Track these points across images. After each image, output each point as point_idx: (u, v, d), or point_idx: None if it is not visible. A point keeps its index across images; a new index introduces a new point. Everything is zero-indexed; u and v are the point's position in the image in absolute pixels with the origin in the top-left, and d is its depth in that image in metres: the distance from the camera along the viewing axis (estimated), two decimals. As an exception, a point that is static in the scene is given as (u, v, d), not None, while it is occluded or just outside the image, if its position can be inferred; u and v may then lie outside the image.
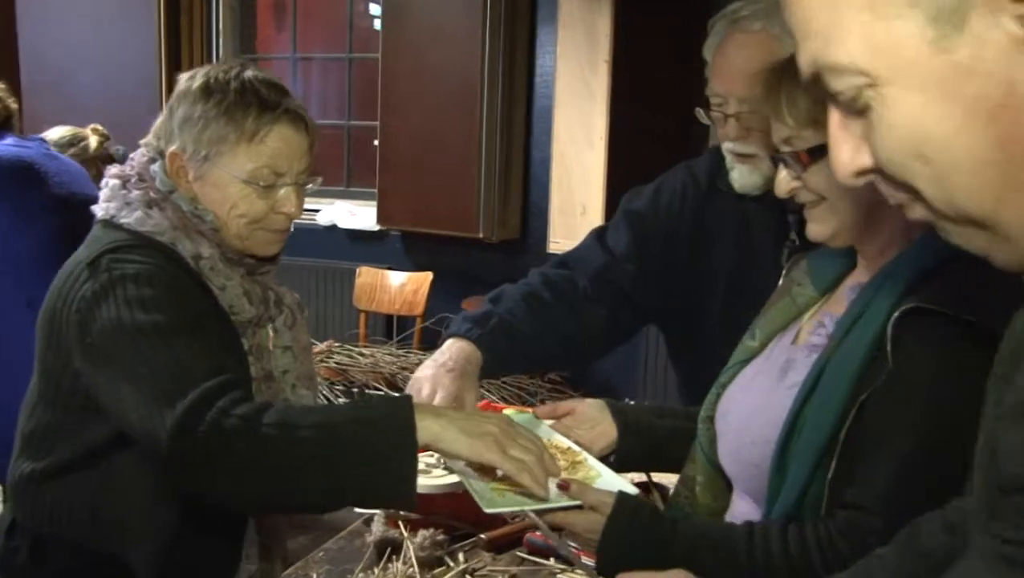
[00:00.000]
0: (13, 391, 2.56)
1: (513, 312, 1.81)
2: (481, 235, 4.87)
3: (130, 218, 1.47)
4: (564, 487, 1.31)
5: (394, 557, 1.70)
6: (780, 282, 1.54)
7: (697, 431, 1.53)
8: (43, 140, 2.74)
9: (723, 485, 1.49)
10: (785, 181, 1.32)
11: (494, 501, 1.31)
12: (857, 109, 0.69)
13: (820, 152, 1.24)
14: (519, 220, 5.12)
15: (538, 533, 1.78)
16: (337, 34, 5.87)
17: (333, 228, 5.45)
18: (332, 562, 1.71)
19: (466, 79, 4.77)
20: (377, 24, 5.74)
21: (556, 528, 1.40)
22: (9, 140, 2.66)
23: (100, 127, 3.10)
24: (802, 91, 1.25)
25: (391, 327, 5.25)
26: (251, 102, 1.46)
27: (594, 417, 1.64)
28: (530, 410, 1.71)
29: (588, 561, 1.74)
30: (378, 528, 1.76)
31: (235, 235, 1.52)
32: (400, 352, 4.38)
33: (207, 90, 1.47)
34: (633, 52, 4.20)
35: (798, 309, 1.44)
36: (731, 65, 1.72)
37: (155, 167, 1.52)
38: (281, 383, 1.59)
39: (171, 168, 1.50)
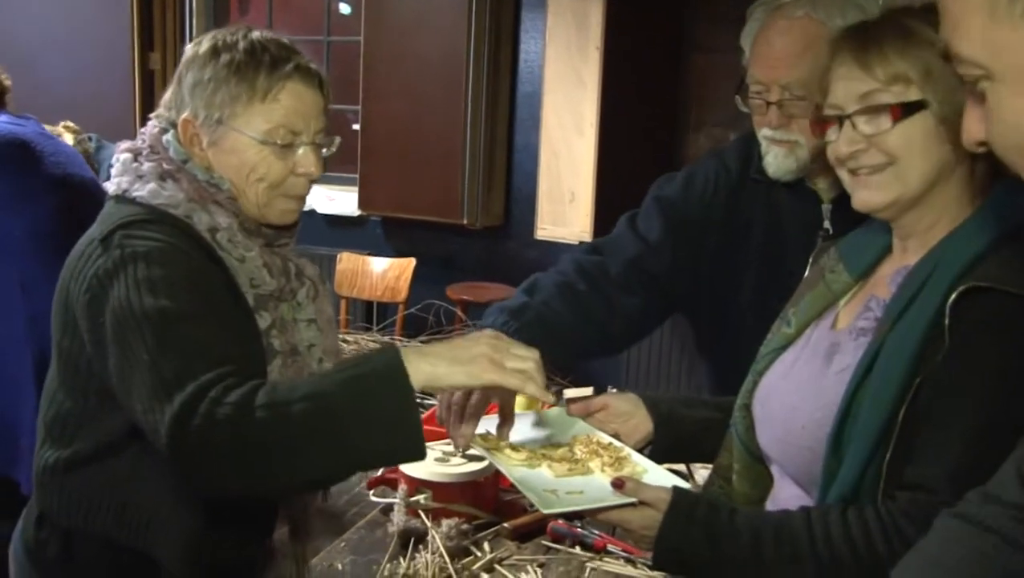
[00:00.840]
0: (2, 374, 2.50)
1: (549, 303, 1.79)
2: (465, 221, 4.83)
3: (143, 191, 1.42)
4: (619, 485, 1.29)
5: (420, 547, 1.67)
6: (807, 271, 1.53)
7: (732, 419, 1.52)
8: (37, 120, 2.66)
9: (762, 472, 1.48)
10: (848, 141, 1.27)
11: (550, 501, 1.29)
12: (979, 92, 0.80)
13: (914, 108, 1.23)
14: (503, 206, 5.09)
15: (561, 521, 1.77)
16: (307, 17, 5.80)
17: (312, 213, 5.38)
18: (355, 552, 1.68)
19: (450, 64, 4.73)
20: (344, 8, 5.67)
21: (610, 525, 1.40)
22: (3, 118, 2.58)
23: (71, 124, 3.02)
24: (896, 48, 1.24)
25: (371, 313, 5.20)
26: (261, 60, 1.42)
27: (628, 410, 1.61)
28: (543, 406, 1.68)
29: (614, 548, 1.73)
30: (400, 518, 1.73)
31: (254, 203, 1.47)
32: (384, 339, 4.34)
33: (215, 51, 1.43)
34: (623, 40, 4.18)
35: (834, 295, 1.44)
36: (774, 51, 1.70)
37: (168, 136, 1.47)
38: (307, 357, 1.53)
39: (184, 136, 1.45)
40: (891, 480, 1.18)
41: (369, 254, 5.01)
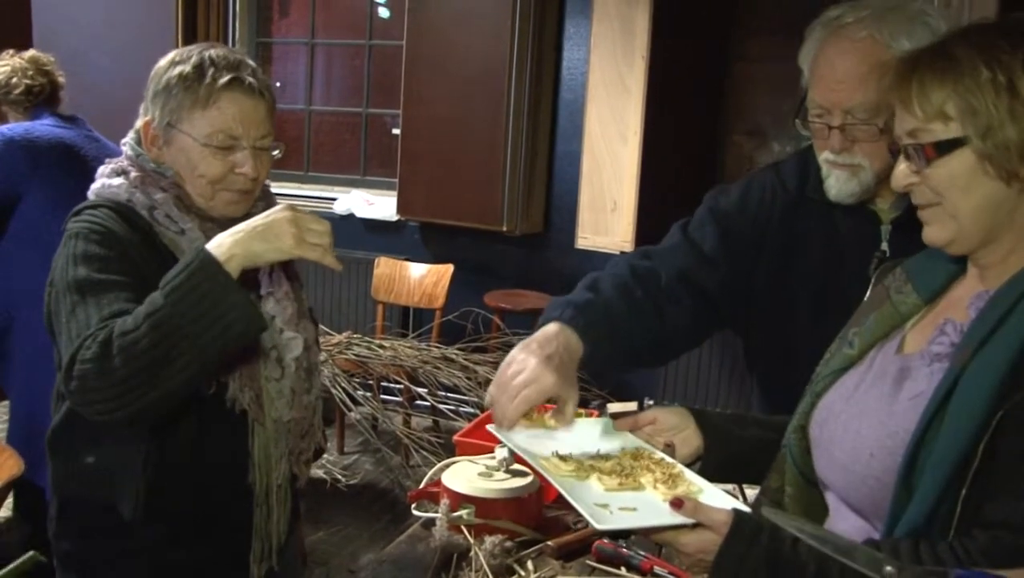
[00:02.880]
0: (48, 374, 2.50)
1: (611, 303, 1.71)
2: (504, 228, 4.80)
3: (97, 185, 1.68)
4: (677, 504, 1.23)
5: (463, 564, 1.63)
6: (869, 291, 1.47)
7: (786, 441, 1.47)
8: (84, 120, 2.66)
9: (816, 497, 1.42)
10: (903, 175, 1.25)
11: (602, 517, 1.23)
12: None
13: (947, 148, 1.18)
14: (543, 214, 5.06)
15: (606, 541, 1.72)
16: (348, 20, 5.80)
17: (350, 217, 5.38)
18: (397, 567, 1.64)
19: (492, 69, 4.70)
20: (383, 12, 5.67)
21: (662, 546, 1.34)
22: (48, 120, 2.58)
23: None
24: (935, 83, 1.19)
25: (407, 319, 5.19)
26: (205, 72, 1.62)
27: (676, 424, 1.56)
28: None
29: (661, 571, 1.68)
30: (441, 533, 1.69)
31: (199, 195, 1.67)
32: (421, 345, 4.31)
33: (172, 64, 1.65)
34: (668, 48, 4.13)
35: (901, 317, 1.38)
36: (836, 74, 1.63)
37: (127, 139, 1.72)
38: (270, 329, 1.68)
39: (145, 137, 1.68)
40: (966, 516, 1.12)
41: (407, 259, 5.00)
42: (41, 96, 2.61)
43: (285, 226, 1.44)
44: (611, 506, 1.27)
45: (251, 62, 1.68)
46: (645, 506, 1.30)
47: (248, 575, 1.72)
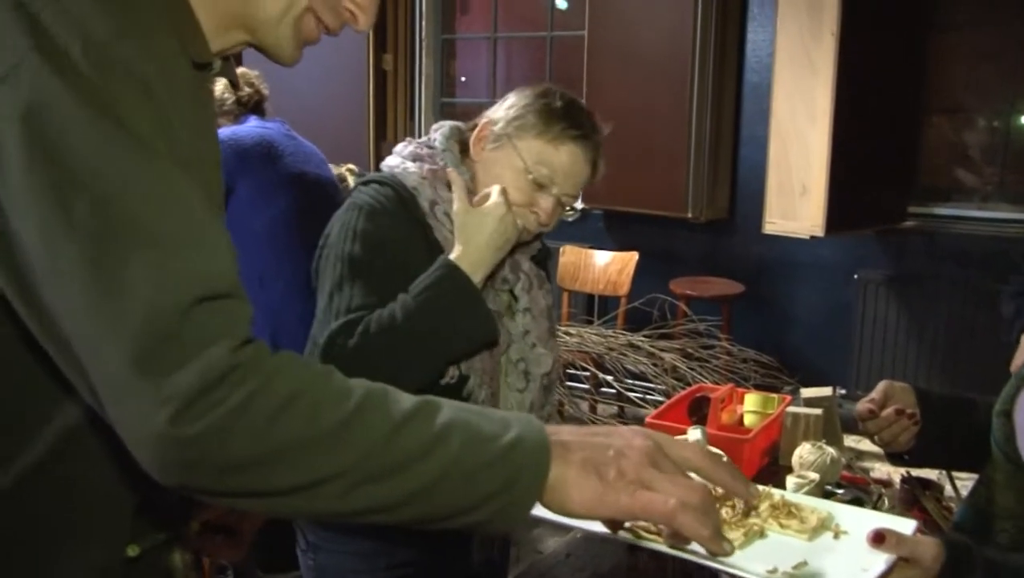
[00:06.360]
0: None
1: None
2: (689, 215, 4.76)
3: (391, 162, 1.70)
4: (879, 540, 1.09)
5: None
6: None
7: (993, 427, 1.42)
8: (283, 122, 2.83)
9: (1026, 483, 1.36)
10: None
11: None
12: None
13: None
14: (728, 200, 4.99)
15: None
16: (527, 14, 5.87)
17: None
18: (592, 552, 1.68)
19: (675, 55, 4.67)
20: (560, 3, 5.70)
21: None
22: (252, 121, 2.77)
23: (353, 167, 3.14)
24: None
25: (592, 306, 5.23)
26: (568, 116, 1.64)
27: (905, 401, 1.54)
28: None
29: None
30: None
31: None
32: (607, 332, 4.35)
33: (543, 94, 1.66)
34: (859, 23, 3.98)
35: None
36: None
37: (441, 131, 1.72)
38: (521, 344, 1.72)
39: (477, 133, 1.68)
40: None
41: (591, 247, 5.04)
42: (248, 105, 2.81)
43: (511, 229, 1.57)
44: (779, 570, 1.08)
45: (599, 136, 1.71)
46: (809, 554, 1.13)
47: (469, 563, 1.69)
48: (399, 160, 1.69)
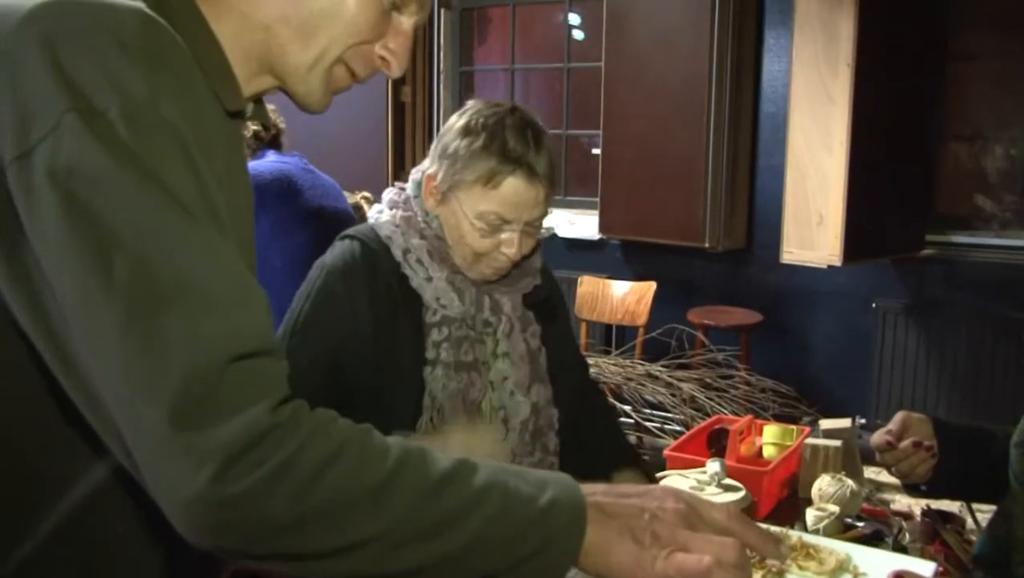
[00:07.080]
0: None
1: None
2: (706, 244, 4.77)
3: (374, 210, 1.72)
4: None
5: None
6: None
7: (1009, 457, 1.42)
8: (301, 156, 2.86)
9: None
10: None
11: None
12: None
13: None
14: (745, 229, 5.00)
15: None
16: (545, 44, 5.92)
17: (552, 237, 5.49)
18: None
19: (692, 85, 4.70)
20: (577, 34, 5.75)
21: None
22: (271, 156, 2.80)
23: (369, 194, 3.17)
24: None
25: (610, 336, 5.23)
26: (495, 151, 1.58)
27: (923, 432, 1.53)
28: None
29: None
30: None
31: (461, 258, 1.66)
32: (625, 362, 4.35)
33: (466, 131, 1.61)
34: (875, 53, 4.00)
35: None
36: None
37: (416, 176, 1.71)
38: (500, 390, 1.67)
39: (425, 188, 1.67)
40: None
41: (609, 277, 5.05)
42: (266, 140, 2.85)
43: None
44: None
45: (547, 140, 1.66)
46: None
47: None
48: (380, 207, 1.70)
